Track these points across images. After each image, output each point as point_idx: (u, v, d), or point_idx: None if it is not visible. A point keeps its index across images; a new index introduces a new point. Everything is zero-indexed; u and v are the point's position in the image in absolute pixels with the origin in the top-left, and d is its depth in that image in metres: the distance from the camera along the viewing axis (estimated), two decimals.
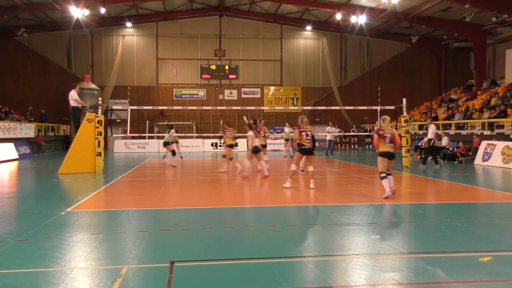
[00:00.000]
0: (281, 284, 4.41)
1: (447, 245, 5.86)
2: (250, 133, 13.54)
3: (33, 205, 9.30)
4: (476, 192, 11.20)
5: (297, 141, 11.15)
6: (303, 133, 11.02)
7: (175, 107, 26.30)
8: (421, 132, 27.69)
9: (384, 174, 9.53)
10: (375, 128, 12.67)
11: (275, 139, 32.44)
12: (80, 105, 16.43)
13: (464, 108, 27.10)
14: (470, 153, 20.19)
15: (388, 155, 9.61)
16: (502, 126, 21.29)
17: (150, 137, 32.61)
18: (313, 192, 10.65)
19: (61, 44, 34.73)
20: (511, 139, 18.26)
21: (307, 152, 11.13)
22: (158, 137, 32.19)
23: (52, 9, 28.67)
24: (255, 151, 13.58)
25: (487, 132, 21.65)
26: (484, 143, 19.10)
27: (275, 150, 31.54)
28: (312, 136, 11.17)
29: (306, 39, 37.57)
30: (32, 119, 29.71)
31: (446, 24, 31.20)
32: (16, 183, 13.94)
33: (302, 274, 4.80)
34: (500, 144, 18.03)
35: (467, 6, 24.13)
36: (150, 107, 25.39)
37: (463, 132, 23.97)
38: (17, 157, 22.41)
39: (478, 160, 18.90)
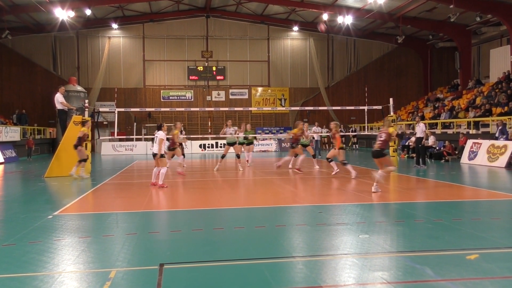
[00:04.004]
0: (271, 285, 4.42)
1: (434, 243, 5.92)
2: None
3: (19, 209, 9.20)
4: (463, 190, 11.31)
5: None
6: (378, 136, 10.82)
7: (162, 109, 26.21)
8: (408, 131, 27.90)
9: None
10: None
11: (263, 139, 32.52)
12: (67, 107, 16.30)
13: (449, 108, 27.38)
14: (456, 152, 20.40)
15: None
16: (487, 125, 21.54)
17: (137, 139, 32.43)
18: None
19: (46, 46, 34.40)
20: (496, 138, 18.47)
21: (373, 154, 10.74)
22: (145, 139, 32.04)
23: (37, 11, 28.38)
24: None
25: (472, 131, 21.89)
26: (470, 142, 19.30)
27: (263, 151, 31.57)
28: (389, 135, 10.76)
29: (293, 39, 37.67)
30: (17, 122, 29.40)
31: (431, 24, 31.52)
32: (1, 187, 13.75)
33: (291, 275, 4.81)
34: (486, 143, 18.23)
35: (451, 6, 24.39)
36: (138, 109, 25.29)
37: (449, 131, 24.20)
38: (3, 160, 22.14)
39: (464, 159, 19.09)
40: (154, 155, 12.22)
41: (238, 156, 17.58)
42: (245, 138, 19.02)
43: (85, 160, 14.53)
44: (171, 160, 15.48)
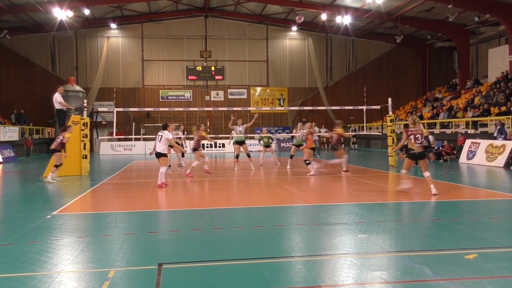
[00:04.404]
0: (270, 285, 4.42)
1: (433, 243, 5.93)
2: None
3: (18, 209, 9.18)
4: (461, 190, 11.32)
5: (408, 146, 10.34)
6: (411, 136, 10.10)
7: (161, 109, 26.17)
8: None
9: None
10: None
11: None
12: (65, 107, 16.27)
13: (448, 107, 27.40)
14: (455, 152, 20.42)
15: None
16: (485, 125, 21.56)
17: (136, 139, 32.43)
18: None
19: (44, 46, 34.36)
20: (494, 137, 18.50)
21: (417, 156, 10.33)
22: (144, 139, 32.04)
23: (35, 11, 28.36)
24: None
25: (471, 131, 21.91)
26: (468, 142, 19.32)
27: (260, 151, 31.53)
28: (426, 137, 10.33)
29: (292, 39, 37.68)
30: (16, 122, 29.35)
31: (429, 24, 31.56)
32: (0, 187, 13.74)
33: (290, 274, 4.82)
34: (484, 143, 18.26)
35: (450, 6, 24.42)
36: (136, 109, 25.24)
37: (448, 131, 24.23)
38: (1, 160, 22.12)
39: (462, 158, 19.11)
40: (159, 154, 12.05)
41: (237, 156, 17.58)
42: (260, 140, 19.19)
43: (60, 165, 13.82)
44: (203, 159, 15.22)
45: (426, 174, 10.14)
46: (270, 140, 19.24)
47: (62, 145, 13.87)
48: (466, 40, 31.75)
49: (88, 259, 5.39)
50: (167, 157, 12.23)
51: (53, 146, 13.82)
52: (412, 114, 30.12)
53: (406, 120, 29.94)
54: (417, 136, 10.10)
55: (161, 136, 12.06)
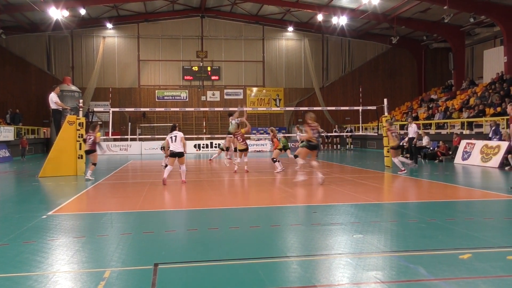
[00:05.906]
0: (265, 284, 4.43)
1: (428, 243, 5.95)
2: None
3: (13, 209, 9.16)
4: (456, 190, 11.37)
5: (306, 139, 12.19)
6: (315, 130, 12.07)
7: (157, 109, 26.19)
8: (402, 132, 27.99)
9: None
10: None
11: (258, 140, 32.57)
12: (61, 107, 16.23)
13: (443, 108, 27.50)
14: (450, 152, 20.50)
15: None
16: (480, 126, 21.66)
17: (132, 139, 32.36)
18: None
19: (40, 46, 34.24)
20: (489, 138, 18.58)
21: (314, 147, 12.10)
22: (140, 139, 31.99)
23: (31, 10, 28.27)
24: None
25: (466, 132, 22.00)
26: (463, 142, 19.40)
27: (258, 151, 31.58)
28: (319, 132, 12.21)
29: (288, 40, 37.70)
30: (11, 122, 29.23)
31: (425, 25, 31.66)
32: None
33: (286, 274, 4.83)
34: (479, 143, 18.34)
35: (445, 7, 24.50)
36: (132, 109, 25.24)
37: (443, 132, 24.32)
38: None
39: (458, 159, 19.18)
40: (179, 154, 12.56)
41: (227, 149, 17.79)
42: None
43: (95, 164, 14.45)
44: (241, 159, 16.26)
45: (314, 163, 12.32)
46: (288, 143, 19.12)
47: (96, 144, 14.50)
48: (462, 41, 31.88)
49: (84, 259, 5.39)
50: (184, 155, 12.70)
51: (87, 147, 14.28)
52: (408, 115, 30.21)
53: (402, 121, 30.05)
54: (318, 130, 12.22)
55: (176, 136, 12.59)
